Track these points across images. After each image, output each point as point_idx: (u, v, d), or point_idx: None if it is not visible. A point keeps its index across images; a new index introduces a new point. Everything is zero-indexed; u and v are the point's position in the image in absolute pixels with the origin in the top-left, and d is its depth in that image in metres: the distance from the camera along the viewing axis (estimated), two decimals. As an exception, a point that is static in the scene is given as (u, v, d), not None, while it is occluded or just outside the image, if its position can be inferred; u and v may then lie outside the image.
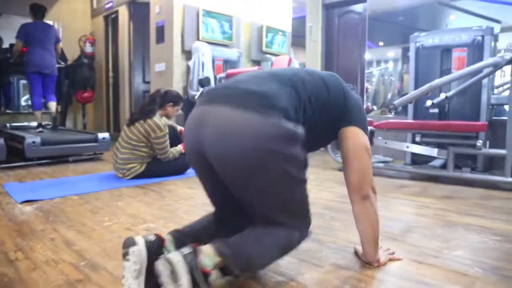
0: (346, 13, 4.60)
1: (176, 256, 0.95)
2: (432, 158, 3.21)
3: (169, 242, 1.12)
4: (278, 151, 1.01)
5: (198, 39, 4.68)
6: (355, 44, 4.56)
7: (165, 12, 4.64)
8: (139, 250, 1.02)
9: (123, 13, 5.60)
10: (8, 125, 4.84)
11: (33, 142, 3.51)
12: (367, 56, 4.97)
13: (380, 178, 3.03)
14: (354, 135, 1.25)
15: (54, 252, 1.47)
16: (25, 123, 5.12)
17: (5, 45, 5.02)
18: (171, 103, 3.06)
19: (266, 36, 5.66)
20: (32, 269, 1.31)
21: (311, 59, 4.77)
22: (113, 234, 1.68)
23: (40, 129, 4.20)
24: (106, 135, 4.07)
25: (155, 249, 1.06)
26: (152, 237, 1.09)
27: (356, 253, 1.41)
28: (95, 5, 6.33)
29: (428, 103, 3.07)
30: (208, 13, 4.78)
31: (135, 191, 2.57)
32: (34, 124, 4.63)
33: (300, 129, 1.06)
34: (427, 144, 3.13)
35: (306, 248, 1.50)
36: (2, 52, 4.69)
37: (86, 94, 5.81)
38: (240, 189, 1.10)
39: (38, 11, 4.24)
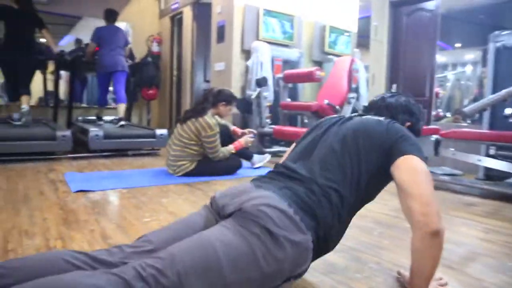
0: (415, 11, 4.24)
1: None
2: (510, 174, 2.81)
3: None
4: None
5: (257, 38, 4.64)
6: (425, 45, 4.18)
7: (226, 12, 4.67)
8: None
9: (188, 14, 5.77)
10: (80, 118, 5.22)
11: (96, 135, 3.73)
12: (442, 58, 4.55)
13: (444, 193, 2.72)
14: (408, 162, 1.05)
15: (89, 243, 1.50)
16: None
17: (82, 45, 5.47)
18: (223, 102, 3.04)
19: (329, 36, 5.47)
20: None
21: (375, 60, 4.49)
22: (149, 231, 1.67)
23: (122, 122, 4.41)
24: (164, 131, 4.21)
25: None
26: None
27: (399, 276, 1.23)
28: (162, 6, 6.61)
29: (508, 111, 2.70)
30: (269, 13, 4.73)
31: (182, 188, 2.59)
32: (107, 118, 5.00)
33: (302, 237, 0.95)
34: (504, 158, 2.75)
35: (344, 266, 1.35)
36: (76, 51, 5.10)
37: (151, 92, 6.09)
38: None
39: (111, 16, 4.61)
